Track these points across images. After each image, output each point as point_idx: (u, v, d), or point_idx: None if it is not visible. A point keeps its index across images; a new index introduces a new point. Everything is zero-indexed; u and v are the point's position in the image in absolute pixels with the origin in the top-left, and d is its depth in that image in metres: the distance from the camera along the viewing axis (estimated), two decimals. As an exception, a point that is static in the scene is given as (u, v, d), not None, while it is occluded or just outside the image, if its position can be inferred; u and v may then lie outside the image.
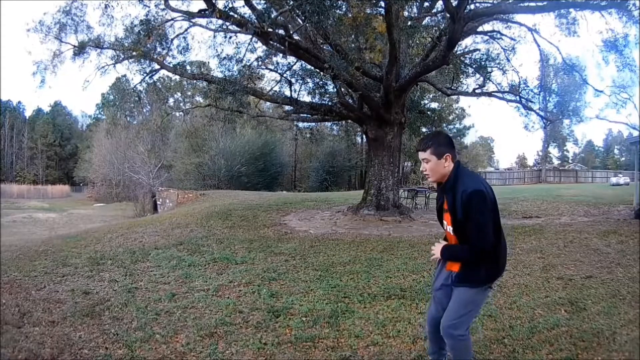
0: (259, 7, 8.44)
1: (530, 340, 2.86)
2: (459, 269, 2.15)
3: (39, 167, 51.68)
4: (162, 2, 9.06)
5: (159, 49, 9.53)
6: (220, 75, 10.55)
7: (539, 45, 11.40)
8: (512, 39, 11.28)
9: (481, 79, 12.00)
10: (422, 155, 2.18)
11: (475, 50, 11.74)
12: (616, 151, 53.58)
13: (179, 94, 37.58)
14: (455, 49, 9.51)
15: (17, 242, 8.21)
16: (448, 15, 7.61)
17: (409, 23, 8.66)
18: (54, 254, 5.88)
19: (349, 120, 13.07)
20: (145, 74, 10.10)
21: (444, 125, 29.08)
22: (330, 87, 11.38)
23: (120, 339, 3.02)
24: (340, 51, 8.23)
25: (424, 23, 10.33)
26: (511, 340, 2.86)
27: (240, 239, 6.80)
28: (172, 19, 9.50)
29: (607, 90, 12.21)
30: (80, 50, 9.33)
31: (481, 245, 2.00)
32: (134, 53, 9.10)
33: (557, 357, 2.63)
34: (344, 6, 8.16)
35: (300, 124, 15.24)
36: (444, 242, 2.26)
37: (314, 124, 15.88)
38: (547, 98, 13.80)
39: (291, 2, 7.54)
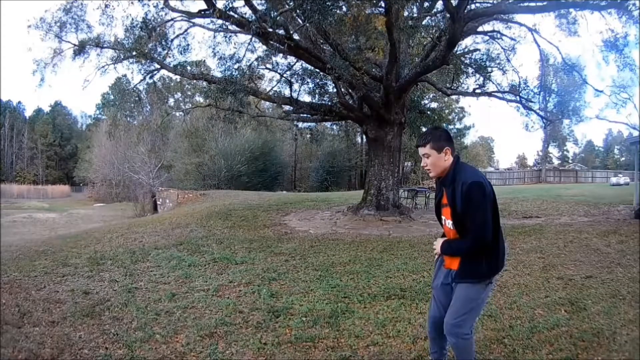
0: (259, 7, 8.44)
1: (530, 340, 2.86)
2: (458, 266, 2.14)
3: (39, 167, 51.69)
4: (162, 2, 9.06)
5: (159, 49, 9.54)
6: (220, 75, 10.56)
7: (539, 45, 11.43)
8: (512, 39, 11.31)
9: (481, 79, 12.00)
10: (422, 150, 2.19)
11: (475, 50, 11.75)
12: (616, 151, 53.55)
13: (179, 94, 37.62)
14: (455, 49, 9.51)
15: (17, 242, 8.22)
16: (448, 15, 7.62)
17: (410, 23, 8.67)
18: (54, 254, 5.88)
19: (349, 120, 13.07)
20: (145, 74, 10.11)
21: (444, 125, 29.04)
22: (330, 87, 11.39)
23: (120, 339, 3.02)
24: (340, 51, 8.23)
25: (424, 23, 10.33)
26: (511, 340, 2.86)
27: (240, 239, 6.81)
28: (172, 19, 9.51)
29: (607, 90, 12.26)
30: (80, 49, 9.33)
31: (482, 235, 2.00)
32: (134, 53, 9.10)
33: (557, 357, 2.63)
34: (344, 6, 8.16)
35: (300, 124, 15.24)
36: (445, 238, 2.27)
37: (314, 124, 15.88)
38: (547, 98, 13.84)
39: (291, 3, 7.54)
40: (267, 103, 15.23)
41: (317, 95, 11.87)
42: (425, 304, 3.52)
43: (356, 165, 35.79)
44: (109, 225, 10.66)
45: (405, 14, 9.08)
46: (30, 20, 10.04)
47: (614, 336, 2.82)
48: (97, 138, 35.49)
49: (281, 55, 10.30)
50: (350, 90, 10.07)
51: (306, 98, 12.14)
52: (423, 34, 10.06)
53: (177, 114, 22.08)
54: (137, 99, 10.89)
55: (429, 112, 16.49)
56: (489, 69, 11.49)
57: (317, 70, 10.13)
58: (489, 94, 11.98)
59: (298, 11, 7.69)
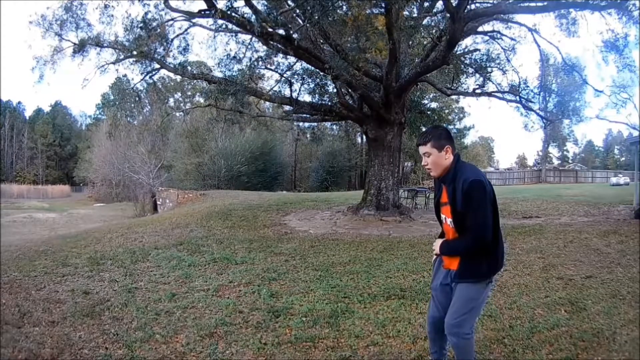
0: (260, 7, 8.44)
1: (530, 340, 2.86)
2: (458, 266, 2.14)
3: (39, 167, 51.70)
4: (162, 2, 9.06)
5: (159, 49, 9.53)
6: (220, 75, 10.56)
7: (539, 46, 11.42)
8: (512, 39, 11.30)
9: (481, 79, 12.00)
10: (422, 149, 2.19)
11: (475, 50, 11.75)
12: (616, 151, 53.54)
13: (179, 94, 37.63)
14: (455, 49, 9.50)
15: (17, 242, 8.22)
16: (448, 15, 7.62)
17: (410, 23, 8.67)
18: (54, 254, 5.88)
19: (349, 120, 13.06)
20: (145, 74, 10.11)
21: (444, 125, 29.01)
22: (331, 87, 11.39)
23: (120, 339, 3.02)
24: (340, 51, 8.23)
25: (424, 23, 10.33)
26: (511, 340, 2.86)
27: (240, 239, 6.80)
28: (172, 19, 9.51)
29: (607, 90, 12.25)
30: (80, 47, 9.32)
31: (482, 234, 2.00)
32: (134, 53, 9.10)
33: (557, 357, 2.63)
34: (344, 6, 8.16)
35: (301, 124, 15.26)
36: (444, 239, 2.27)
37: (314, 124, 15.89)
38: (547, 98, 13.82)
39: (291, 3, 7.54)
40: (267, 103, 15.23)
41: (317, 95, 11.87)
42: (425, 304, 3.51)
43: (356, 165, 35.80)
44: (109, 225, 10.66)
45: (405, 14, 9.08)
46: (32, 16, 10.00)
47: (614, 336, 2.82)
48: (97, 138, 35.47)
49: (281, 55, 10.29)
50: (350, 90, 10.06)
51: (306, 98, 12.15)
52: (423, 34, 10.05)
53: (177, 114, 22.08)
54: (137, 98, 10.89)
55: (429, 112, 16.51)
56: (489, 69, 11.48)
57: (318, 70, 10.13)
58: (489, 94, 11.98)
59: (298, 11, 7.69)
